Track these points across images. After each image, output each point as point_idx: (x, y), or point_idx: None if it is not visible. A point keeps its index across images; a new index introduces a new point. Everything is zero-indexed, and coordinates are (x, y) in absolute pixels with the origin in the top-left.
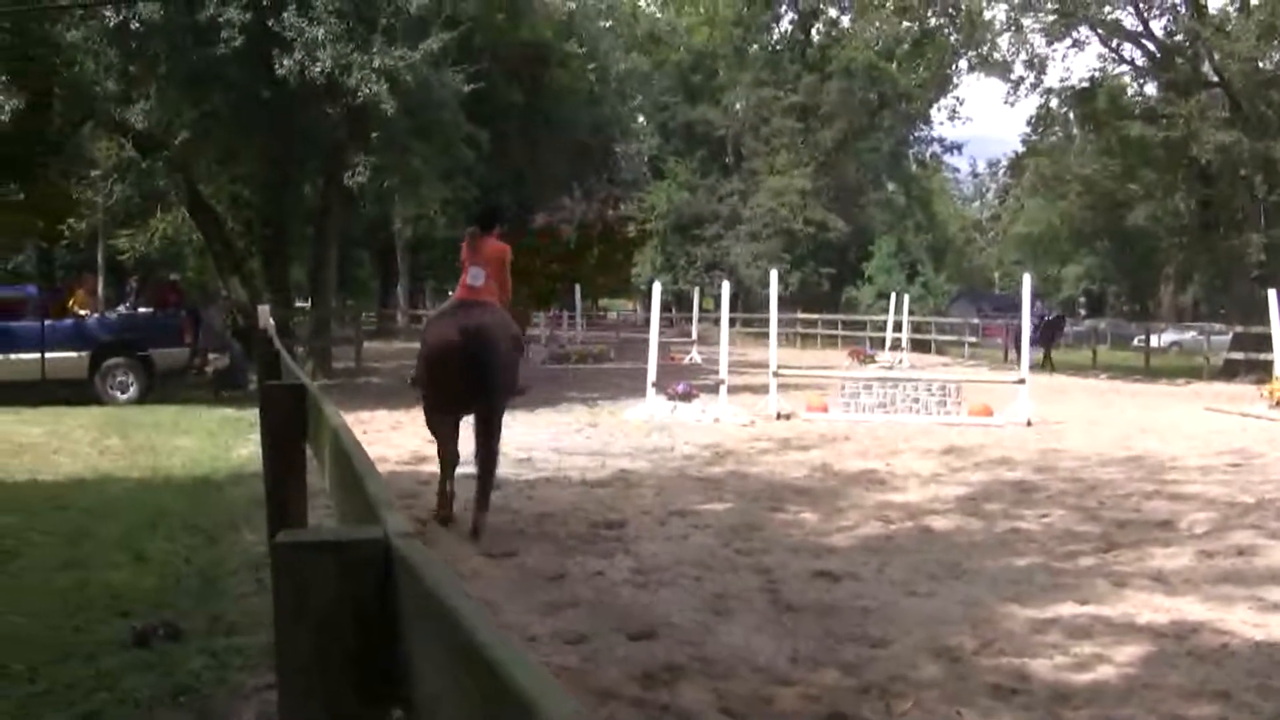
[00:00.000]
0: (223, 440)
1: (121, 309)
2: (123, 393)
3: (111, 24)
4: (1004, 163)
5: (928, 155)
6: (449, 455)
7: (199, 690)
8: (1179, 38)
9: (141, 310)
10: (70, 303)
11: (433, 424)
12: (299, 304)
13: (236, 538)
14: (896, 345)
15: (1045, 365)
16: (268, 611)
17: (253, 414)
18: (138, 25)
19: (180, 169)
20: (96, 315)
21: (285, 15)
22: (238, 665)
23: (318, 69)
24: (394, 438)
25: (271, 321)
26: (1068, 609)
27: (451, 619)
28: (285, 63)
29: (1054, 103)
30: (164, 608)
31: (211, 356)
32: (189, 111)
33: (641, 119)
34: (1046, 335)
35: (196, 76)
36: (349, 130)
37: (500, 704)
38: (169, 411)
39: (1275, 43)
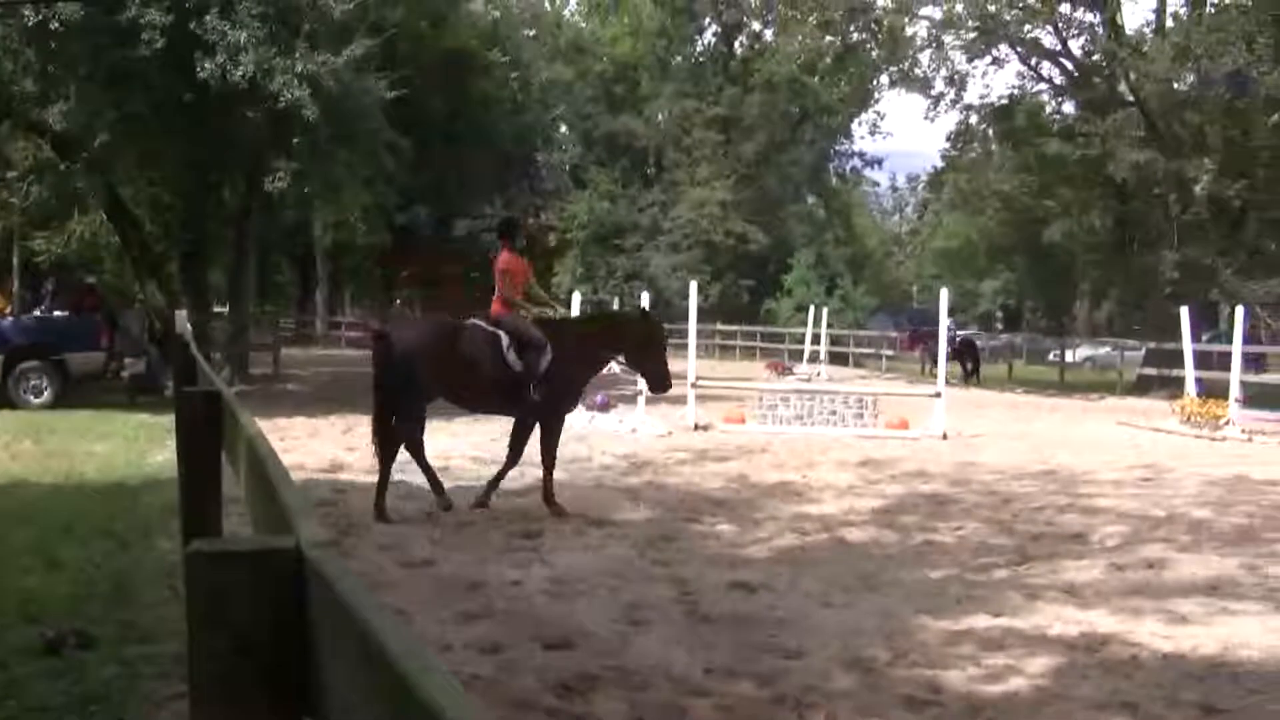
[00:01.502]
0: (138, 446)
1: (37, 312)
2: (36, 397)
3: (30, 23)
4: (923, 178)
5: (848, 169)
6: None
7: (110, 699)
8: (1096, 57)
9: (57, 313)
10: None
11: None
12: (217, 309)
13: (150, 545)
14: (815, 358)
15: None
16: (181, 619)
17: (169, 420)
18: (57, 25)
19: (99, 171)
20: (11, 318)
21: (207, 18)
22: (150, 674)
23: (239, 73)
24: (312, 445)
25: (189, 326)
26: (981, 621)
27: (362, 629)
28: (207, 66)
29: (973, 119)
30: (76, 615)
31: (128, 361)
32: (108, 113)
33: (564, 128)
34: (959, 352)
35: (116, 78)
36: (270, 135)
37: (408, 715)
38: (84, 416)
39: (1189, 64)
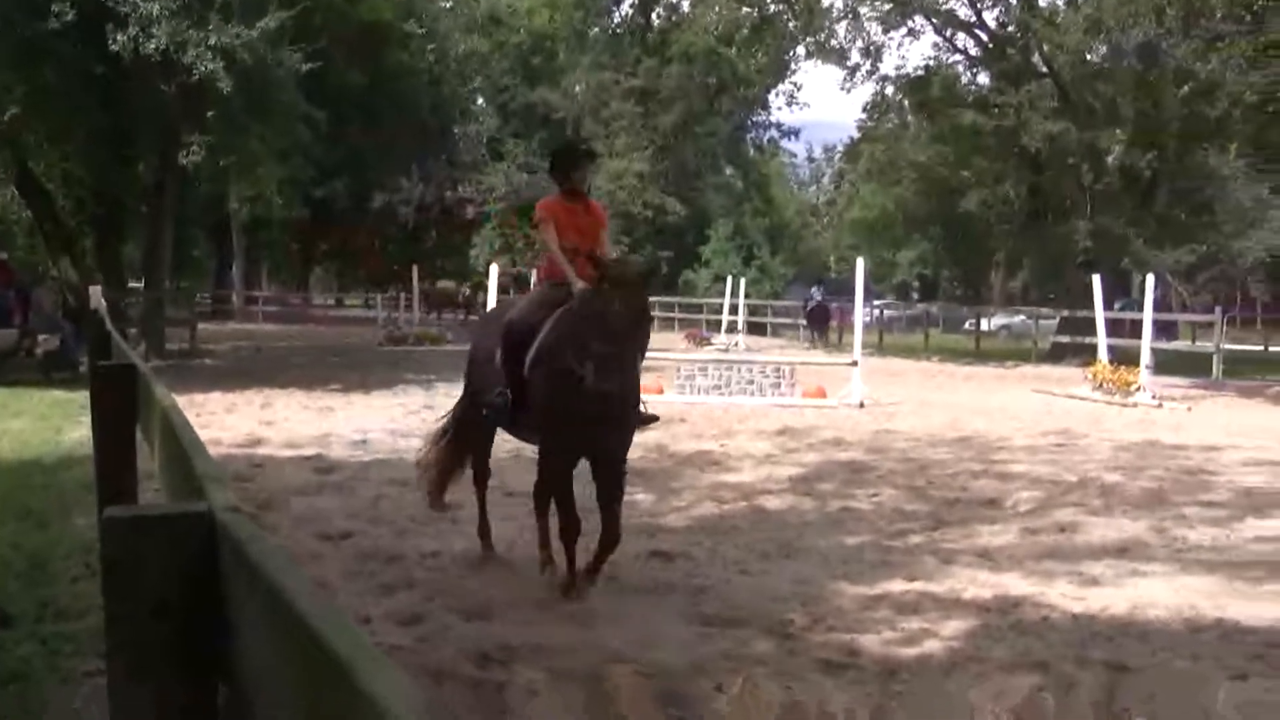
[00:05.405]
0: (53, 423)
1: None
2: None
3: None
4: (840, 148)
5: (765, 140)
6: None
7: (29, 677)
8: (1010, 29)
9: None
10: None
11: None
12: (132, 284)
13: (67, 521)
14: (733, 328)
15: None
16: (98, 596)
17: (84, 396)
18: None
19: (9, 146)
20: None
21: None
22: (68, 651)
23: (152, 45)
24: (229, 420)
25: (103, 302)
26: (897, 586)
27: (273, 590)
28: (119, 38)
29: (889, 90)
30: None
31: (41, 338)
32: (18, 87)
33: (481, 100)
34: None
35: (26, 51)
36: (184, 108)
37: (321, 673)
38: None
39: (1101, 36)
